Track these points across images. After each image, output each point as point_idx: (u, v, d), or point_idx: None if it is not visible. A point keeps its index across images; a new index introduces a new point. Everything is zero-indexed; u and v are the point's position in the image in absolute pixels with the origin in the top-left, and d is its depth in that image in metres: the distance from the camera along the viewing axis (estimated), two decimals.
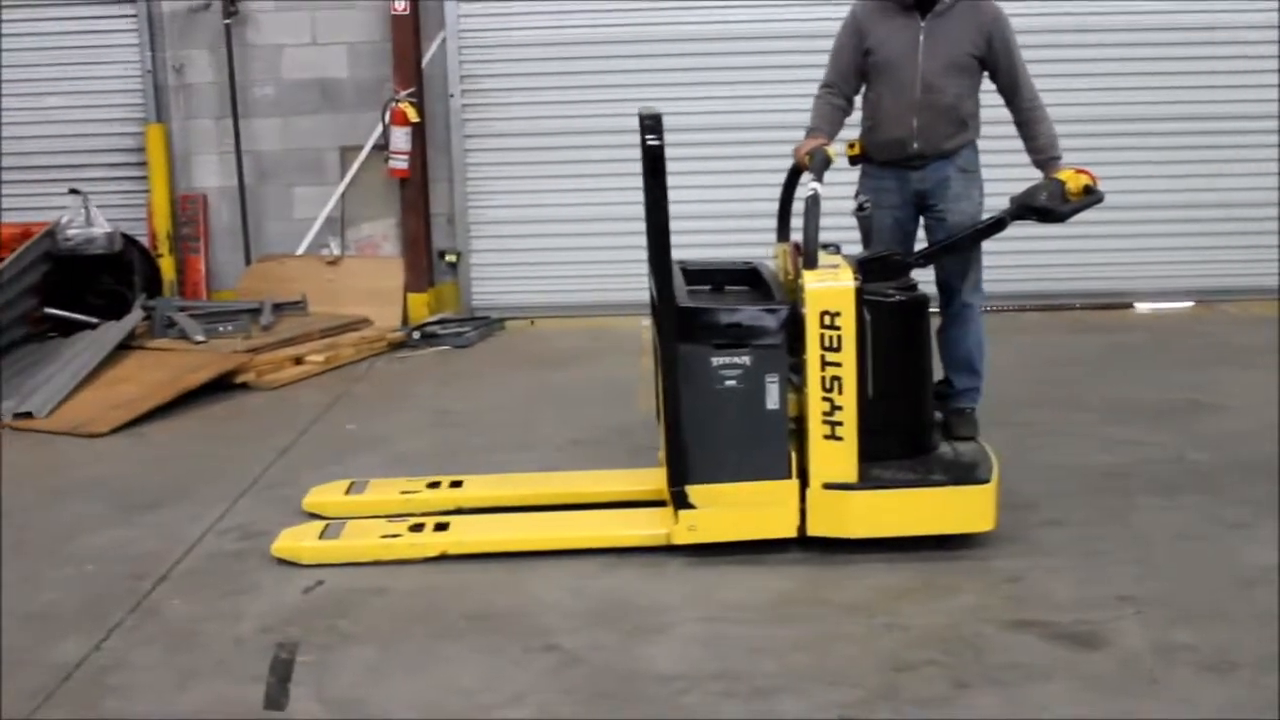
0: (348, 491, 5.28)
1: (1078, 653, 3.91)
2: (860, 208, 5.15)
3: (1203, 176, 8.90)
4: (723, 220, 8.44)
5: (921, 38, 5.24)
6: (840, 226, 4.91)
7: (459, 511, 5.07)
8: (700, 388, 4.57)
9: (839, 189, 5.05)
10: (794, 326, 4.57)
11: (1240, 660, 3.82)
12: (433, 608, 4.34)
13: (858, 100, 5.49)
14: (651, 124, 4.47)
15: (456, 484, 5.27)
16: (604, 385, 7.34)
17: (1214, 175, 8.87)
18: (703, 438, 4.59)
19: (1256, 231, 9.09)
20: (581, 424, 6.46)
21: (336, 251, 9.28)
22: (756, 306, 4.67)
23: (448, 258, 9.32)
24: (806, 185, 4.76)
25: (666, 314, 4.58)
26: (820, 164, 4.90)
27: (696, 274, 5.04)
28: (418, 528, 4.85)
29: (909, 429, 4.83)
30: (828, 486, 4.58)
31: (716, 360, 4.57)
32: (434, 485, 5.27)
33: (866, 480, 4.59)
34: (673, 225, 4.59)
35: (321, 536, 4.81)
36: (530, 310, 9.30)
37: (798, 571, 4.56)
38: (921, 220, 5.48)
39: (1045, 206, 5.08)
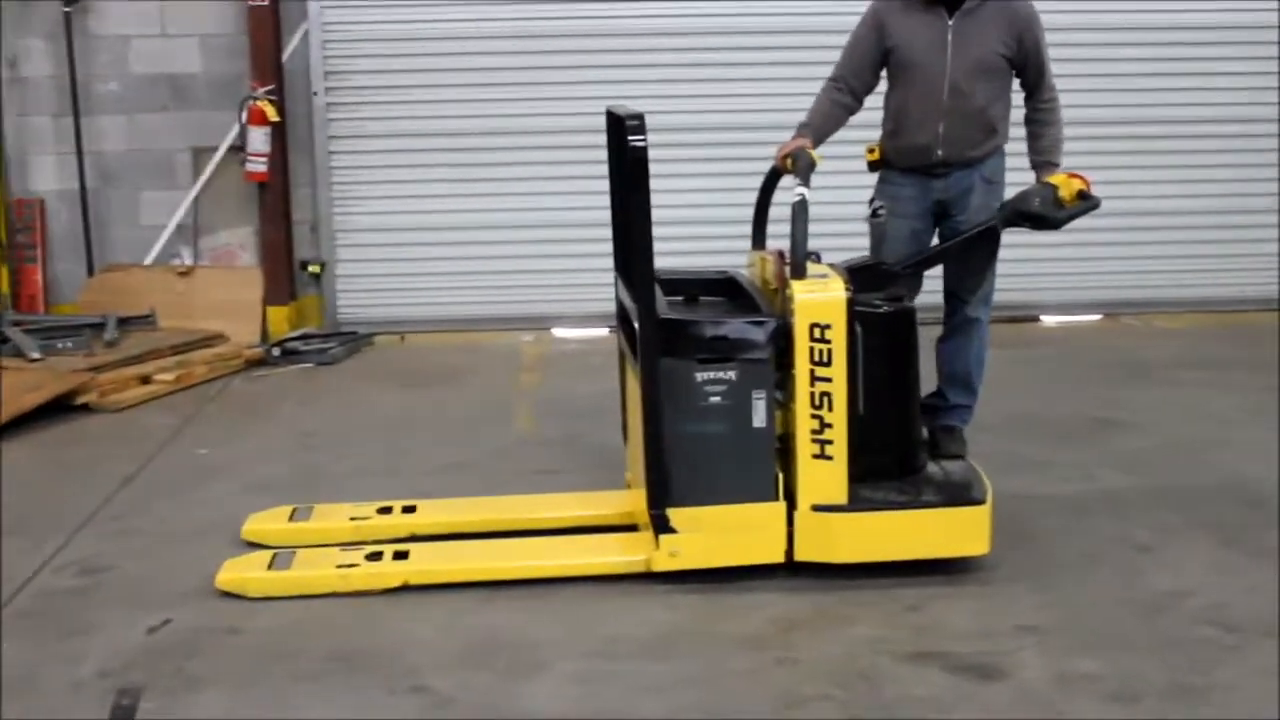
0: (291, 518, 5.25)
1: (978, 684, 3.99)
2: (874, 213, 5.20)
3: (1113, 184, 9.11)
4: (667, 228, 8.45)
5: (949, 37, 5.27)
6: (823, 234, 4.94)
7: (414, 539, 5.07)
8: (682, 405, 4.60)
9: (825, 194, 5.06)
10: (782, 340, 4.60)
11: (1144, 690, 3.93)
12: (291, 647, 4.30)
13: (870, 101, 5.52)
14: (636, 124, 4.46)
15: (409, 509, 5.28)
16: (480, 404, 7.34)
17: (1124, 182, 9.01)
18: (685, 458, 4.61)
19: (1164, 241, 9.40)
20: (456, 447, 6.45)
21: (189, 261, 9.14)
22: (743, 318, 4.70)
23: (311, 268, 9.23)
24: (794, 190, 4.79)
25: (647, 327, 4.56)
26: (805, 168, 4.93)
27: (669, 283, 5.04)
28: (375, 556, 4.83)
29: (898, 447, 4.90)
30: (816, 509, 4.62)
31: (700, 375, 4.60)
32: (385, 511, 5.27)
33: (856, 502, 4.65)
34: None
35: (270, 567, 4.77)
36: (401, 325, 9.24)
37: (686, 602, 4.59)
38: (938, 230, 5.53)
39: (1038, 213, 5.16)
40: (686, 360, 4.60)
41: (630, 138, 4.46)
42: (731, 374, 4.61)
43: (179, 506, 5.66)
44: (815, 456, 4.60)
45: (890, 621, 4.42)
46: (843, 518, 4.64)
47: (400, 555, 4.85)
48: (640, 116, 4.49)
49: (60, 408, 7.15)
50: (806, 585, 4.65)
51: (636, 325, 4.61)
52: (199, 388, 7.83)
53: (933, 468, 5.03)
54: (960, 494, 4.82)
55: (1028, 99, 5.42)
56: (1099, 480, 5.83)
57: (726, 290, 5.17)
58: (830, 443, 4.59)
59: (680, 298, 5.08)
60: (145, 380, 7.72)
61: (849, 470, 4.62)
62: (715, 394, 4.61)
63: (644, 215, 4.51)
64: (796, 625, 4.40)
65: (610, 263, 5.37)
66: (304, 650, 4.28)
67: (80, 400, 7.28)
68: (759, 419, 4.63)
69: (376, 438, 6.74)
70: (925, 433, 5.25)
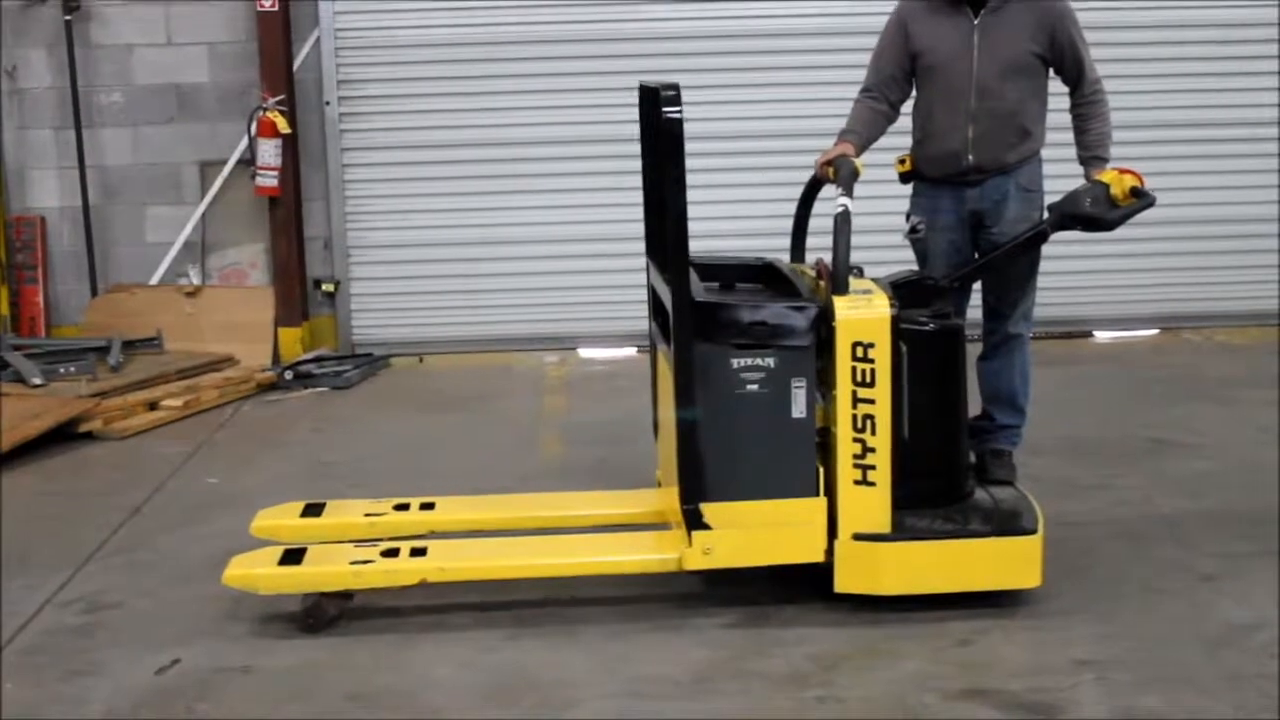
0: (303, 514, 5.28)
1: None
2: (913, 229, 5.20)
3: (1171, 190, 9.06)
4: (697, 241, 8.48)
5: (975, 37, 5.27)
6: (863, 246, 4.93)
7: (432, 536, 5.09)
8: (718, 393, 4.59)
9: (866, 204, 5.07)
10: (823, 328, 4.59)
11: None
12: (307, 687, 4.31)
13: (905, 107, 5.53)
14: (671, 94, 4.48)
15: (428, 506, 5.32)
16: (502, 430, 7.35)
17: (1183, 189, 8.93)
18: (720, 450, 4.60)
19: (1224, 251, 9.35)
20: (478, 475, 6.45)
21: (196, 281, 9.21)
22: (782, 303, 4.69)
23: (324, 287, 9.28)
24: (836, 201, 4.79)
25: (681, 309, 4.55)
26: (848, 177, 4.92)
27: (704, 269, 5.03)
28: (392, 553, 4.84)
29: (944, 473, 4.89)
30: (858, 537, 4.61)
31: (737, 362, 4.59)
32: (402, 507, 5.30)
33: (900, 531, 4.64)
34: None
35: (281, 563, 4.78)
36: (419, 346, 9.28)
37: (723, 638, 4.58)
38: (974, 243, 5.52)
39: (1090, 214, 5.12)
40: (722, 346, 4.59)
41: (665, 108, 4.48)
42: (770, 361, 4.59)
43: (188, 539, 5.68)
44: (857, 483, 4.59)
45: (938, 657, 4.40)
46: (886, 547, 4.63)
47: (418, 552, 4.84)
48: (675, 86, 4.50)
49: (63, 436, 7.19)
50: (848, 619, 4.64)
51: (670, 309, 4.61)
52: (208, 413, 7.87)
53: (980, 495, 5.01)
54: (1010, 523, 4.80)
55: (1071, 93, 5.42)
56: (1158, 505, 5.80)
57: (764, 277, 5.17)
58: (873, 468, 4.58)
59: (716, 284, 5.07)
60: (152, 406, 7.78)
61: (892, 497, 4.61)
62: (753, 381, 4.59)
63: (679, 190, 4.51)
64: (839, 661, 4.39)
65: (636, 279, 5.38)
66: (320, 690, 4.29)
67: (84, 428, 7.32)
68: (799, 409, 4.61)
69: (394, 466, 6.76)
70: (972, 457, 5.23)
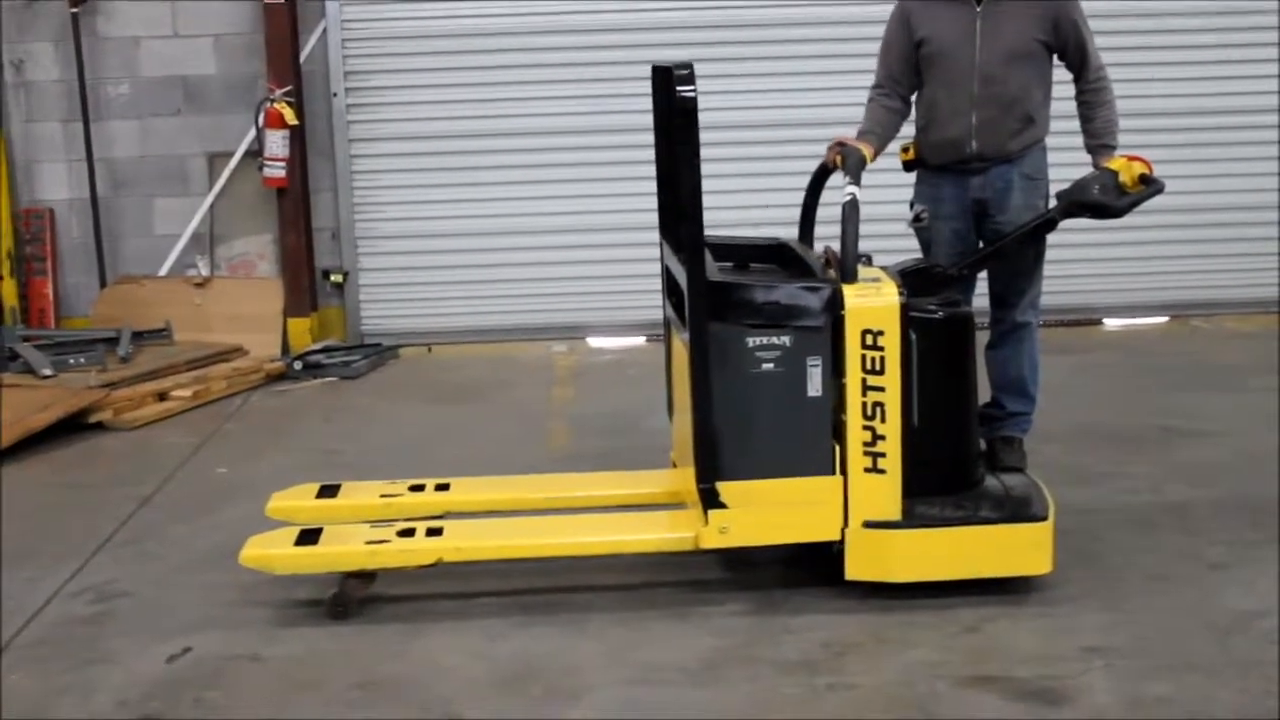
0: (319, 495, 5.29)
1: (1040, 711, 3.97)
2: (917, 218, 5.21)
3: (1179, 178, 9.03)
4: None
5: (978, 24, 5.28)
6: (870, 234, 4.90)
7: (448, 516, 5.11)
8: (733, 372, 4.59)
9: (873, 193, 5.09)
10: (838, 307, 4.59)
11: (1218, 714, 3.90)
12: (317, 676, 4.32)
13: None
14: (685, 73, 4.50)
15: (443, 487, 5.33)
16: (511, 421, 7.36)
17: (1190, 177, 8.91)
18: (736, 429, 4.61)
19: (1233, 239, 9.35)
20: (487, 466, 6.43)
21: (205, 272, 9.22)
22: (796, 283, 4.70)
23: (333, 278, 9.30)
24: (844, 189, 4.80)
25: (696, 289, 4.56)
26: (856, 165, 4.94)
27: (718, 249, 5.02)
28: (407, 533, 4.85)
29: (954, 460, 4.90)
30: (869, 525, 4.63)
31: (752, 341, 4.60)
32: (417, 488, 5.32)
33: (910, 518, 4.65)
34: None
35: (297, 543, 4.79)
36: (427, 336, 9.30)
37: (732, 625, 4.59)
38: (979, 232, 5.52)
39: (1099, 201, 5.13)
40: (737, 325, 4.60)
41: (679, 87, 4.49)
42: (785, 339, 4.59)
43: (198, 529, 5.70)
44: (868, 470, 4.60)
45: (948, 644, 4.41)
46: (897, 535, 4.64)
47: (434, 532, 4.86)
48: (689, 65, 4.51)
49: (73, 426, 7.21)
50: (858, 606, 4.65)
51: (685, 289, 4.61)
52: (217, 404, 7.90)
53: (991, 481, 5.01)
54: (1020, 510, 4.80)
55: (1076, 81, 5.41)
56: (1168, 493, 5.80)
57: (778, 258, 5.17)
58: (883, 455, 4.59)
59: (730, 264, 5.07)
60: (161, 397, 7.79)
61: (902, 484, 4.62)
62: (768, 360, 4.60)
63: (693, 170, 4.53)
64: (849, 649, 4.39)
65: (645, 268, 5.39)
66: (329, 679, 4.29)
67: (94, 418, 7.34)
68: (814, 388, 4.61)
69: (402, 457, 6.76)
70: (982, 444, 5.24)
